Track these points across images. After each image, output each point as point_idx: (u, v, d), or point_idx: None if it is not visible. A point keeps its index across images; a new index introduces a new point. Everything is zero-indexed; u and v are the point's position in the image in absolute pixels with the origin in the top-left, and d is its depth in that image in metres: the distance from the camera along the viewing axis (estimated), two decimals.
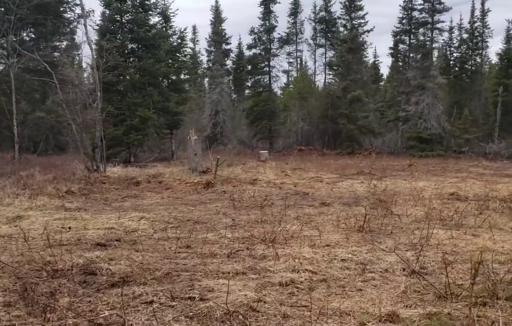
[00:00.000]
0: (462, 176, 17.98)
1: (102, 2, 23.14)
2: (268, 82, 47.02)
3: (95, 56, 16.94)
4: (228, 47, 55.51)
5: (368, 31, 42.73)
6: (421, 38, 39.66)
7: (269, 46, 46.30)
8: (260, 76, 47.04)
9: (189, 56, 41.69)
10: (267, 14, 45.55)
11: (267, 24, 45.73)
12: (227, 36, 55.17)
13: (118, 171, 16.55)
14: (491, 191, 13.59)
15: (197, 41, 61.94)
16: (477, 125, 46.69)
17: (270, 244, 6.75)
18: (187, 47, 29.01)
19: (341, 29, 43.18)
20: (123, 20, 23.33)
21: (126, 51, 23.07)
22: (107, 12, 23.78)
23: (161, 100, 23.47)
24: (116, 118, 20.89)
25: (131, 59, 23.73)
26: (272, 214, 9.27)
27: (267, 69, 46.48)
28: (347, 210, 9.88)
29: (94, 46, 18.98)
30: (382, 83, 59.35)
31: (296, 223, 8.34)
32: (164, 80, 24.58)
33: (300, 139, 46.14)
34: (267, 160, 23.44)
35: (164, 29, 26.99)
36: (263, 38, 46.24)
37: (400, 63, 43.45)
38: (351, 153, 36.66)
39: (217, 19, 53.93)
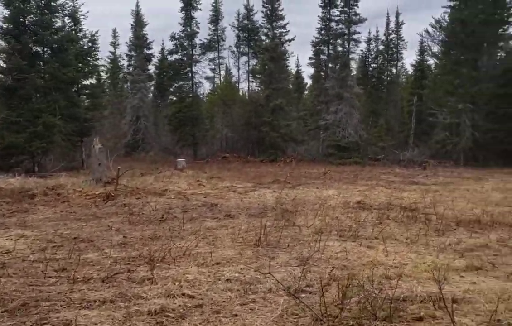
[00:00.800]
0: (372, 183, 18.40)
1: (2, 2, 21.54)
2: (191, 88, 46.40)
3: None
4: (149, 51, 54.17)
5: (290, 41, 43.38)
6: (339, 48, 40.74)
7: (191, 52, 45.73)
8: (183, 82, 46.30)
9: (105, 59, 40.12)
10: (188, 20, 45.01)
11: (189, 30, 45.17)
12: (148, 41, 53.86)
13: (15, 182, 15.38)
14: (396, 199, 13.92)
15: (118, 45, 59.92)
16: (393, 134, 48.72)
17: (158, 264, 6.32)
18: (98, 51, 27.75)
19: (263, 37, 43.45)
20: (26, 22, 21.84)
21: (30, 54, 21.62)
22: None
23: (68, 106, 22.20)
24: (18, 125, 19.48)
25: (37, 62, 22.26)
26: (170, 229, 8.82)
27: (190, 75, 45.87)
28: (252, 222, 9.61)
29: None
30: (306, 92, 60.55)
31: (192, 239, 7.94)
32: (73, 84, 23.25)
33: (225, 146, 45.91)
34: (184, 168, 22.88)
35: (73, 32, 25.67)
36: (185, 44, 45.62)
37: (321, 73, 44.44)
38: (274, 161, 36.86)
39: (138, 24, 52.53)
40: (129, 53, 55.98)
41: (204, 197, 13.57)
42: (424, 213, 11.16)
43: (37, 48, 22.52)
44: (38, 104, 20.50)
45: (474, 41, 36.93)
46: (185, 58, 45.87)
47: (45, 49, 22.59)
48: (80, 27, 26.66)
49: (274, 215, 10.40)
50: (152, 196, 13.31)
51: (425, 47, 50.23)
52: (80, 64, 23.52)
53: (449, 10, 39.94)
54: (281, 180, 18.58)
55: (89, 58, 25.54)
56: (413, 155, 38.53)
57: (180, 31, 45.50)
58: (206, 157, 41.64)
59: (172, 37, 45.65)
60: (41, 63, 22.35)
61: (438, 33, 44.86)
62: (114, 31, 59.07)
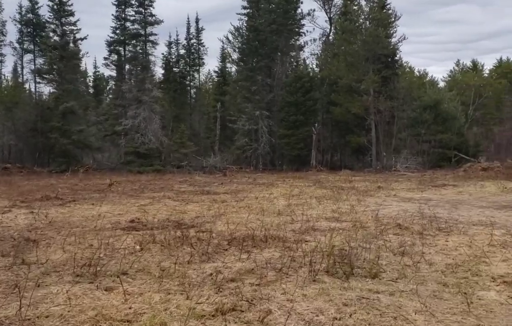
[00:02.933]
0: (159, 196, 16.76)
1: None
2: None
3: None
4: None
5: (82, 39, 39.70)
6: (135, 49, 38.59)
7: None
8: None
9: None
10: None
11: None
12: None
13: None
14: (178, 214, 12.46)
15: None
16: (199, 140, 48.35)
17: None
18: None
19: (51, 34, 38.96)
20: None
21: None
22: None
23: None
24: None
25: None
26: None
27: None
28: None
29: None
30: (111, 96, 56.82)
31: None
32: None
33: (7, 155, 40.09)
34: None
35: None
36: None
37: (119, 76, 41.71)
38: (66, 171, 32.99)
39: None
40: None
41: None
42: (200, 231, 9.81)
43: None
44: None
45: (267, 49, 38.21)
46: None
47: None
48: None
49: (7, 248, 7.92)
50: None
51: (226, 53, 51.07)
52: None
53: (245, 18, 40.83)
54: (51, 196, 15.76)
55: None
56: (216, 161, 38.36)
57: None
58: None
59: None
60: None
61: (237, 40, 45.74)
62: None
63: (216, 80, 56.34)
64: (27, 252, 7.66)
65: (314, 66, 45.76)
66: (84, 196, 16.82)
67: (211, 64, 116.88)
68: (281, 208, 13.29)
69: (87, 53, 54.44)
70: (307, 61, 46.37)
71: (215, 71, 55.19)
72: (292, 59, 42.11)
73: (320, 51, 44.49)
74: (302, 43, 42.75)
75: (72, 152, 37.10)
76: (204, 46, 51.42)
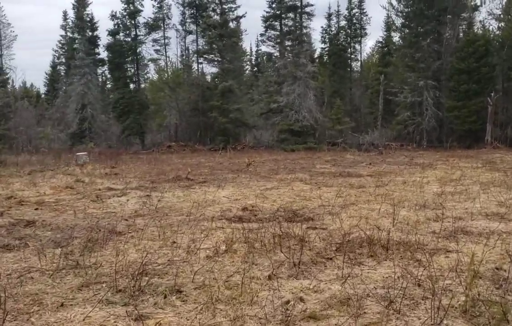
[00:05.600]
0: (290, 178, 15.14)
1: None
2: (135, 72, 42.68)
3: None
4: (96, 33, 49.82)
5: (240, 17, 39.72)
6: (290, 23, 37.23)
7: (134, 32, 41.92)
8: (126, 65, 42.48)
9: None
10: None
11: (131, 7, 41.31)
12: (93, 22, 49.59)
13: None
14: (301, 201, 10.70)
15: (69, 27, 54.99)
16: (359, 115, 45.69)
17: None
18: None
19: (212, 13, 39.67)
20: None
21: None
22: None
23: None
24: None
25: None
26: None
27: (134, 57, 42.09)
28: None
29: None
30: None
31: None
32: None
33: (173, 134, 42.35)
34: (86, 163, 19.44)
35: None
36: (127, 23, 41.75)
37: (274, 52, 41.03)
38: (224, 148, 33.40)
39: (81, 3, 48.32)
40: (71, 35, 51.88)
41: (36, 208, 10.11)
42: (312, 227, 7.93)
43: None
44: None
45: (435, 11, 33.78)
46: (128, 39, 42.09)
47: None
48: None
49: (82, 243, 7.02)
50: None
51: (390, 22, 47.11)
52: None
53: None
54: (182, 176, 15.20)
55: None
56: (374, 138, 35.52)
57: (122, 9, 41.71)
58: (152, 147, 38.14)
59: (113, 16, 41.80)
60: None
61: (401, 3, 41.62)
62: (65, 13, 54.23)
63: (379, 51, 52.53)
64: (95, 250, 6.62)
65: (492, 27, 39.56)
66: (217, 176, 16.00)
67: (374, 35, 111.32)
68: (430, 198, 10.64)
69: (246, 31, 54.71)
70: (484, 23, 40.34)
71: (378, 42, 51.48)
72: (464, 21, 36.75)
73: (501, 10, 38.22)
74: (478, 2, 37.17)
75: (231, 131, 37.52)
76: (366, 15, 48.14)
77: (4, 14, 55.21)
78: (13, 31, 64.47)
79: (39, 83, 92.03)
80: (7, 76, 46.62)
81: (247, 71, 51.77)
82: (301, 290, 4.97)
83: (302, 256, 6.01)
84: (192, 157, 27.63)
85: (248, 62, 56.42)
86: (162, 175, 16.27)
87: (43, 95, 59.02)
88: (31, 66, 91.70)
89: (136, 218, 8.99)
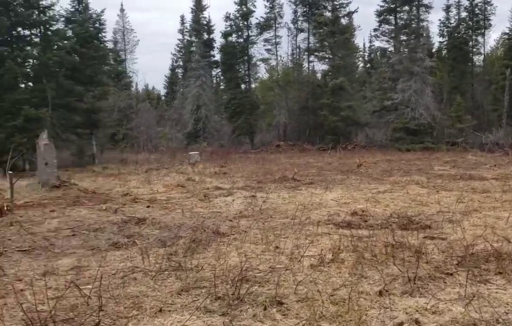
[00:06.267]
0: (405, 180, 14.13)
1: None
2: (246, 72, 43.36)
3: None
4: (211, 36, 51.48)
5: (352, 13, 38.66)
6: (406, 16, 35.35)
7: (246, 33, 42.58)
8: (237, 66, 43.32)
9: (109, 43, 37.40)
10: None
11: (244, 9, 42.01)
12: (210, 25, 51.28)
13: None
14: (418, 206, 9.86)
15: (187, 31, 57.46)
16: (481, 113, 42.28)
17: None
18: (105, 33, 25.19)
19: (323, 10, 39.05)
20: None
21: (8, 38, 19.50)
22: None
23: (60, 95, 19.91)
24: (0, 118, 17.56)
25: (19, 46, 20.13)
26: None
27: (245, 57, 42.76)
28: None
29: None
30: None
31: None
32: (66, 71, 20.86)
33: (282, 134, 42.39)
34: (197, 162, 19.94)
35: (78, 12, 23.48)
36: (240, 25, 42.51)
37: (388, 47, 39.33)
38: (334, 148, 32.67)
39: (198, 7, 50.27)
40: (189, 38, 54.20)
41: (147, 206, 10.38)
42: (429, 236, 7.18)
43: (21, 29, 20.40)
44: (20, 94, 18.46)
45: None
46: (241, 40, 42.88)
47: (28, 31, 20.51)
48: (83, 6, 24.39)
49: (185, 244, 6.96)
50: (76, 206, 10.37)
51: None
52: (84, 49, 21.27)
53: None
54: (288, 177, 14.90)
55: (96, 41, 23.12)
56: (498, 138, 32.54)
57: (235, 11, 42.63)
58: (261, 146, 38.49)
59: (227, 18, 42.86)
60: (28, 48, 20.34)
61: None
62: (182, 18, 56.83)
63: (505, 43, 48.16)
64: (198, 251, 6.50)
65: None
66: (325, 177, 15.48)
67: (499, 27, 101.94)
68: None
69: (359, 26, 53.07)
70: None
71: (504, 33, 47.21)
72: None
73: None
74: None
75: (341, 129, 36.62)
76: (491, 5, 44.35)
77: (128, 21, 59.37)
78: (136, 37, 69.18)
79: (160, 86, 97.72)
80: (130, 79, 49.94)
81: (360, 68, 50.30)
82: (417, 310, 4.38)
83: (418, 270, 5.36)
84: (300, 157, 27.32)
85: (360, 58, 54.91)
86: (269, 175, 16.13)
87: (163, 97, 62.32)
88: (152, 69, 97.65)
89: (240, 219, 8.83)
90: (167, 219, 9.00)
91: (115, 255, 6.48)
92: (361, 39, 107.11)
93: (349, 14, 38.98)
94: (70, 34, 22.83)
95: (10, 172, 10.75)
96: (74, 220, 8.94)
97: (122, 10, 56.24)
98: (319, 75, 40.68)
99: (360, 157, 21.42)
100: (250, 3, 42.10)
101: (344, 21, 38.75)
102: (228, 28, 42.63)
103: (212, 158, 23.78)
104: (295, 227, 7.93)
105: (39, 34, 20.69)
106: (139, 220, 8.85)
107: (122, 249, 6.78)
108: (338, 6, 38.17)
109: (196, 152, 22.55)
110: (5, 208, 8.88)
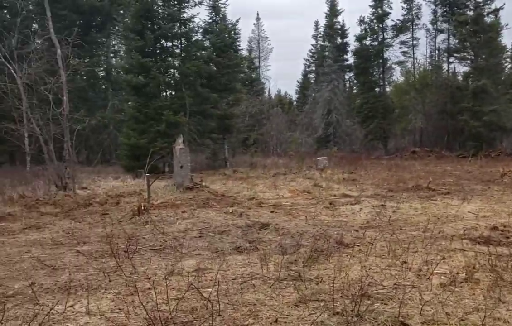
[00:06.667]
0: None
1: None
2: (381, 75, 42.08)
3: (59, 53, 15.10)
4: (345, 40, 50.84)
5: (497, 10, 35.47)
6: None
7: (382, 36, 41.33)
8: (371, 70, 42.26)
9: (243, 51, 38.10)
10: (379, 0, 40.76)
11: (379, 11, 40.87)
12: (344, 29, 50.72)
13: (103, 186, 14.58)
14: None
15: (320, 36, 57.47)
16: None
17: None
18: (239, 42, 25.97)
19: (465, 9, 36.45)
20: (152, 15, 21.14)
21: (152, 50, 21.00)
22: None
23: (197, 102, 20.95)
24: (144, 124, 19.03)
25: (163, 57, 21.56)
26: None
27: (380, 61, 41.52)
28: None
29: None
30: None
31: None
32: (202, 80, 21.91)
33: (418, 139, 40.38)
34: (325, 168, 19.71)
35: (214, 22, 24.51)
36: (375, 28, 41.42)
37: None
38: (475, 155, 30.26)
39: (332, 12, 50.10)
40: (322, 43, 54.20)
41: (272, 211, 10.43)
42: None
43: (165, 41, 21.88)
44: (162, 101, 19.79)
45: None
46: (375, 43, 41.73)
47: (170, 43, 21.91)
48: (220, 17, 25.41)
49: (307, 252, 6.85)
50: (205, 208, 10.79)
51: None
52: (220, 58, 22.25)
53: None
54: (422, 186, 14.03)
55: (231, 50, 24.03)
56: None
57: (370, 14, 41.65)
58: (395, 152, 37.04)
59: (361, 22, 42.05)
60: (170, 58, 21.72)
61: None
62: (316, 24, 57.10)
63: None
64: (319, 261, 6.34)
65: None
66: (463, 187, 14.32)
67: None
68: None
69: (507, 24, 48.44)
70: None
71: None
72: None
73: None
74: None
75: (484, 135, 33.77)
76: None
77: (263, 29, 61.18)
78: (270, 44, 70.96)
79: (292, 91, 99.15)
80: (263, 86, 51.33)
81: (507, 69, 45.96)
82: None
83: None
84: (437, 164, 25.70)
85: (508, 59, 50.16)
86: (401, 183, 15.36)
87: (294, 102, 63.14)
88: (284, 76, 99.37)
89: (367, 229, 8.47)
90: (290, 225, 8.97)
91: (237, 259, 6.58)
92: (509, 38, 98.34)
93: (494, 12, 35.83)
94: (207, 44, 24.11)
95: (148, 174, 11.58)
96: (202, 222, 9.33)
97: (258, 18, 58.14)
98: (459, 78, 38.00)
99: (505, 166, 19.51)
100: (386, 5, 40.88)
101: (488, 19, 35.73)
102: (363, 32, 41.77)
103: (342, 163, 23.40)
104: (426, 241, 7.38)
105: (180, 46, 22.19)
106: (262, 225, 8.94)
107: (244, 254, 6.88)
108: (481, 4, 35.36)
109: (325, 158, 22.36)
110: (143, 207, 9.57)
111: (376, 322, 4.36)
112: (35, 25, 30.26)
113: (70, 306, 4.83)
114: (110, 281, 5.70)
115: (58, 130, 14.27)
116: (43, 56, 18.44)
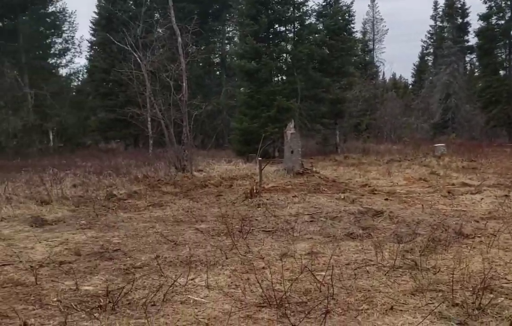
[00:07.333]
0: None
1: None
2: (507, 57, 38.78)
3: (180, 41, 15.64)
4: (466, 20, 47.58)
5: None
6: None
7: (510, 14, 37.96)
8: (496, 51, 39.07)
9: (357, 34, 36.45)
10: None
11: None
12: (465, 8, 47.46)
13: (217, 169, 15.10)
14: None
15: (439, 17, 54.29)
16: None
17: None
18: (353, 24, 25.12)
19: None
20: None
21: (266, 35, 21.07)
22: None
23: (308, 87, 20.78)
24: (256, 109, 19.38)
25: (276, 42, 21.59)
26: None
27: (507, 41, 38.24)
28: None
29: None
30: None
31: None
32: (315, 63, 21.59)
33: None
34: (443, 155, 18.72)
35: (328, 5, 24.00)
36: (502, 4, 38.15)
37: None
38: None
39: None
40: (441, 24, 51.24)
41: (386, 199, 10.12)
42: None
43: (278, 26, 21.87)
44: (274, 86, 19.93)
45: None
46: (502, 22, 38.44)
47: (287, 27, 21.84)
48: (334, 1, 24.73)
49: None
50: (316, 194, 10.76)
51: None
52: (333, 41, 21.85)
53: None
54: None
55: (345, 34, 23.44)
56: None
57: None
58: None
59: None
60: (282, 43, 21.71)
61: None
62: (435, 3, 54.04)
63: None
64: (437, 251, 6.06)
65: None
66: None
67: None
68: None
69: None
70: None
71: None
72: None
73: None
74: None
75: None
76: None
77: (378, 11, 59.22)
78: (385, 26, 68.42)
79: (407, 75, 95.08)
80: (377, 69, 49.83)
81: None
82: None
83: None
84: None
85: None
86: None
87: (410, 86, 60.60)
88: (399, 59, 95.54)
89: (489, 220, 7.94)
90: (406, 214, 8.67)
91: (349, 245, 6.52)
92: None
93: None
94: (320, 27, 23.90)
95: (260, 158, 11.86)
96: (314, 207, 9.36)
97: (372, 0, 56.34)
98: None
99: None
100: None
101: None
102: (487, 10, 38.68)
103: (461, 151, 22.04)
104: None
105: (293, 30, 22.25)
106: (376, 213, 8.74)
107: (357, 240, 6.79)
108: None
109: (442, 144, 21.22)
110: (255, 190, 9.83)
111: (500, 316, 4.10)
112: (157, 15, 32.42)
113: (191, 279, 5.13)
114: (226, 258, 5.96)
115: (178, 115, 15.15)
116: (165, 44, 19.68)
